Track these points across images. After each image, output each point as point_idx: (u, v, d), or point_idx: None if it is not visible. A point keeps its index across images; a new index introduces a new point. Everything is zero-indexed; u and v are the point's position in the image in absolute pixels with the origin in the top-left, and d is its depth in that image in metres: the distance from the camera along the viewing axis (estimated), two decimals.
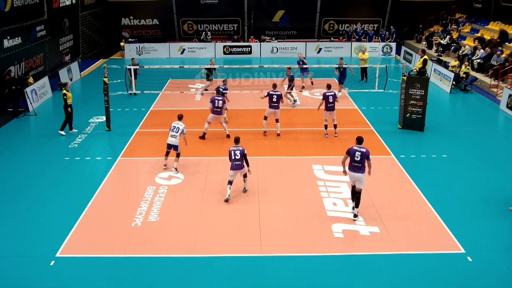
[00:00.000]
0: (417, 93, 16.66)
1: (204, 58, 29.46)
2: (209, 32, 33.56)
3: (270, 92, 16.33)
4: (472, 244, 10.16)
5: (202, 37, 33.27)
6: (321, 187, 12.78)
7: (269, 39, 33.19)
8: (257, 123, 17.22)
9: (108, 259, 9.74)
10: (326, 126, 16.45)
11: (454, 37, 29.67)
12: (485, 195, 12.33)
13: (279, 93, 16.39)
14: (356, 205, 11.21)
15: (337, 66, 20.78)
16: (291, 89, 20.03)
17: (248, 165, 12.09)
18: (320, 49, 32.09)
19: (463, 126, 17.80)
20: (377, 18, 34.88)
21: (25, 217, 11.32)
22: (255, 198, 12.19)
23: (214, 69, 21.10)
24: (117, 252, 9.93)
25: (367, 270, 9.36)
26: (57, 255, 9.83)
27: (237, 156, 11.85)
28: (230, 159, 11.97)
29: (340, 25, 35.03)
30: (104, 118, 17.59)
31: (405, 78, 16.82)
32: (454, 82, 22.43)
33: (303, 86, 22.41)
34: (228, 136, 16.20)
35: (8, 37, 19.92)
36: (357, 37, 32.95)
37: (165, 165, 13.85)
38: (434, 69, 24.34)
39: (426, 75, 17.55)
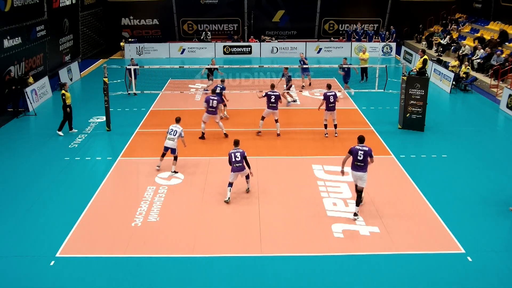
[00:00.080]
0: (417, 93, 16.66)
1: (204, 58, 29.47)
2: (209, 32, 33.56)
3: (268, 93, 16.29)
4: (472, 244, 10.16)
5: (202, 37, 33.28)
6: (321, 187, 12.78)
7: (269, 39, 33.19)
8: (257, 123, 17.20)
9: (108, 259, 9.74)
10: (326, 126, 16.45)
11: (454, 37, 29.67)
12: (485, 195, 12.33)
13: (277, 93, 16.36)
14: (357, 204, 11.23)
15: (341, 65, 20.73)
16: (289, 89, 20.02)
17: (249, 167, 12.09)
18: (320, 49, 32.09)
19: (463, 126, 17.80)
20: (377, 18, 34.88)
21: (25, 217, 11.32)
22: (255, 198, 12.18)
23: (217, 68, 21.14)
24: (117, 252, 9.93)
25: (367, 270, 9.36)
26: (57, 255, 9.82)
27: (238, 158, 11.84)
28: (230, 162, 11.94)
29: (340, 25, 35.03)
30: (104, 118, 17.59)
31: (405, 78, 16.82)
32: (454, 82, 22.43)
33: (303, 86, 22.42)
34: (226, 135, 16.21)
35: (8, 37, 19.92)
36: (357, 37, 32.95)
37: (158, 166, 13.81)
38: (434, 69, 24.34)
39: (426, 75, 17.56)
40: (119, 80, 20.64)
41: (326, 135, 16.42)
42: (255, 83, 23.87)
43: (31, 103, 19.27)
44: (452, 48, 28.22)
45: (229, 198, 11.92)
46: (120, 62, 29.39)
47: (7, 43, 19.80)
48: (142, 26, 34.74)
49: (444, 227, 10.83)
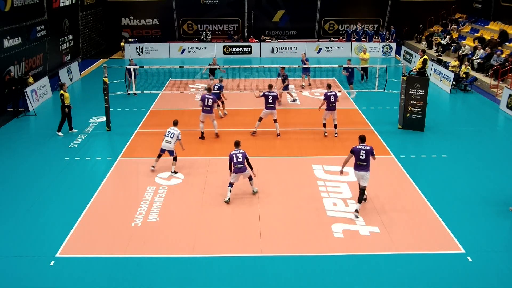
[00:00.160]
0: (417, 93, 16.66)
1: (204, 58, 29.46)
2: (209, 32, 33.56)
3: (266, 93, 16.22)
4: (472, 244, 10.16)
5: (202, 37, 33.28)
6: (321, 187, 12.78)
7: (269, 39, 33.19)
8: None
9: (108, 259, 9.74)
10: (324, 125, 16.45)
11: (454, 37, 29.68)
12: (485, 195, 12.33)
13: (275, 93, 16.34)
14: (359, 201, 11.26)
15: (345, 66, 20.67)
16: (286, 88, 20.00)
17: (251, 168, 12.08)
18: (320, 49, 32.09)
19: (463, 126, 17.80)
20: (377, 18, 34.88)
21: (25, 217, 11.32)
22: (255, 198, 12.18)
23: (218, 67, 21.20)
24: (117, 252, 9.93)
25: (367, 270, 9.35)
26: (57, 255, 9.82)
27: (239, 158, 11.82)
28: (231, 163, 11.92)
29: (340, 25, 35.04)
30: (104, 118, 17.59)
31: (405, 78, 16.82)
32: (454, 82, 22.43)
33: (302, 85, 22.41)
34: (216, 135, 16.19)
35: (8, 37, 19.92)
36: (357, 37, 32.94)
37: (153, 167, 13.79)
38: (434, 69, 24.34)
39: (426, 75, 17.56)
40: (119, 80, 20.64)
41: (326, 134, 16.42)
42: (255, 83, 23.87)
43: (31, 103, 19.27)
44: (452, 48, 28.22)
45: (229, 198, 11.91)
46: (120, 62, 29.37)
47: (7, 43, 19.80)
48: (142, 26, 34.74)
49: (444, 227, 10.83)
